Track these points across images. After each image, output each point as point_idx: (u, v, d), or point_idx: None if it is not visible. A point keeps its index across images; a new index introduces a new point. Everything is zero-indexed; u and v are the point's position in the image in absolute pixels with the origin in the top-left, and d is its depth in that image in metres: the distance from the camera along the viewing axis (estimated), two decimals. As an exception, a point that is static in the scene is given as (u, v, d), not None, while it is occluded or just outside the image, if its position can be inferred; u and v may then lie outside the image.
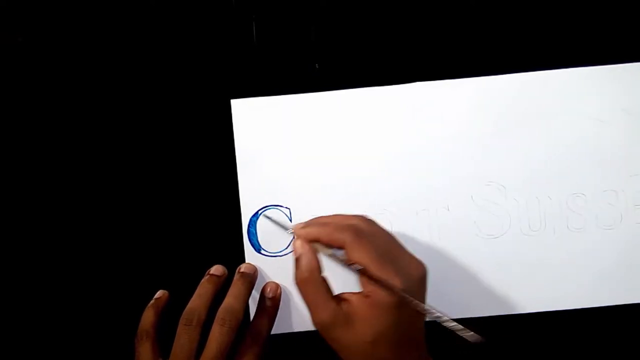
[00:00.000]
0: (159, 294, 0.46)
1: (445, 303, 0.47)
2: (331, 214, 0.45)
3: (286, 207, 0.48)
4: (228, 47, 0.49)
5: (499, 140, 0.48)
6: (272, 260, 0.48)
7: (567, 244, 0.47)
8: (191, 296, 0.44)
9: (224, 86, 0.49)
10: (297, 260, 0.42)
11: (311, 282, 0.41)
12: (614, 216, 0.47)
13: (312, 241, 0.42)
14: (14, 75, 0.49)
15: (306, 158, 0.48)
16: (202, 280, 0.46)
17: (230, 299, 0.44)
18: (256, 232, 0.48)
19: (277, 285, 0.47)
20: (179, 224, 0.49)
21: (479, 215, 0.48)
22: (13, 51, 0.49)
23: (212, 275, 0.46)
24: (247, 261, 0.48)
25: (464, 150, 0.48)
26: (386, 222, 0.47)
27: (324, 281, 0.42)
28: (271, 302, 0.46)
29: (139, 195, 0.49)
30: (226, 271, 0.47)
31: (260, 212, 0.48)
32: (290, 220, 0.48)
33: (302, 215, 0.47)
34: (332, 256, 0.41)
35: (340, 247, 0.41)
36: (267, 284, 0.47)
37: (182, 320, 0.43)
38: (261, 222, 0.48)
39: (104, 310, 0.49)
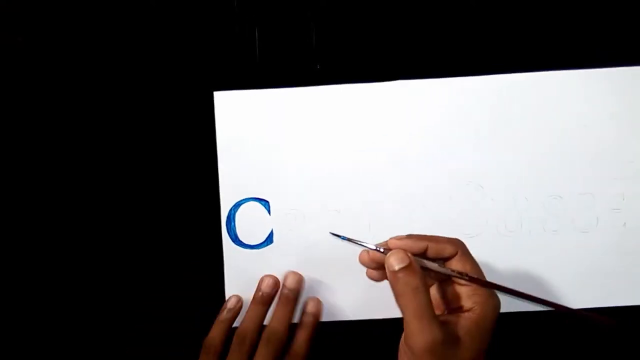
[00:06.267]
0: (231, 303, 0.47)
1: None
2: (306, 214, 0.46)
3: (265, 200, 0.48)
4: (228, 46, 0.49)
5: (480, 140, 0.48)
6: (250, 253, 0.48)
7: (543, 246, 0.48)
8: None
9: (209, 79, 0.49)
10: (397, 275, 0.38)
11: (419, 297, 0.37)
12: (590, 219, 0.48)
13: (414, 253, 0.40)
14: (14, 75, 0.50)
15: (287, 152, 0.48)
16: (254, 296, 0.46)
17: (275, 324, 0.45)
18: (234, 225, 0.48)
19: (319, 302, 0.47)
20: (157, 215, 0.49)
21: (456, 213, 0.48)
22: (13, 51, 0.50)
23: (264, 294, 0.46)
24: (225, 253, 0.48)
25: (444, 148, 0.48)
26: (364, 219, 0.48)
27: (429, 296, 0.38)
28: (312, 318, 0.47)
29: (118, 185, 0.49)
30: (278, 283, 0.47)
31: (239, 203, 0.48)
32: (269, 213, 0.48)
33: (280, 208, 0.48)
34: (435, 267, 0.40)
35: (444, 259, 0.40)
36: (309, 299, 0.47)
37: (236, 339, 0.44)
38: (240, 215, 0.48)
39: (84, 303, 0.49)
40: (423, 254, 0.40)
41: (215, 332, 0.45)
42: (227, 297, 0.47)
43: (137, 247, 0.49)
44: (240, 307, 0.47)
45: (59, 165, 0.49)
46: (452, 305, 0.40)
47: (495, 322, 0.39)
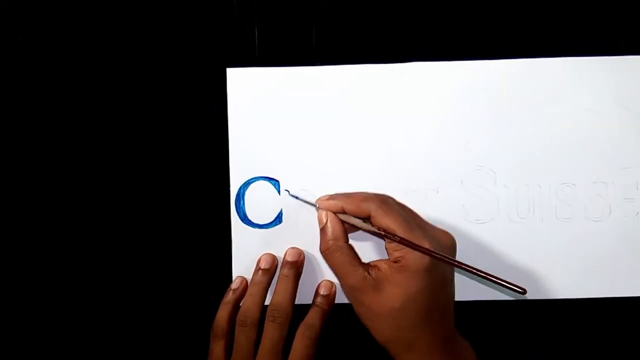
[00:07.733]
0: (236, 283, 0.46)
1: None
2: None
3: (275, 180, 0.48)
4: (228, 45, 0.49)
5: (492, 125, 0.48)
6: (258, 232, 0.47)
7: (554, 234, 0.47)
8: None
9: (221, 55, 0.49)
10: (322, 230, 0.43)
11: (337, 249, 0.42)
12: (603, 208, 0.47)
13: (337, 212, 0.43)
14: (14, 75, 0.49)
15: (298, 132, 0.48)
16: (252, 276, 0.46)
17: (278, 297, 0.45)
18: (244, 204, 0.47)
19: (332, 284, 0.47)
20: (167, 192, 0.49)
21: (468, 199, 0.47)
22: (13, 51, 0.49)
23: (262, 270, 0.46)
24: (233, 232, 0.47)
25: (456, 133, 0.48)
26: (374, 201, 0.47)
27: (351, 248, 0.43)
28: (325, 300, 0.46)
29: (127, 165, 0.49)
30: (276, 260, 0.47)
31: (249, 182, 0.47)
32: (279, 193, 0.47)
33: (290, 188, 0.47)
34: (359, 224, 0.42)
35: (365, 217, 0.42)
36: (323, 282, 0.47)
37: (238, 322, 0.44)
38: (249, 193, 0.47)
39: (83, 301, 0.48)
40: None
41: (221, 315, 0.45)
42: (234, 276, 0.47)
43: (145, 227, 0.49)
44: (245, 287, 0.47)
45: (60, 164, 0.49)
46: (390, 258, 0.42)
47: (432, 272, 0.40)
